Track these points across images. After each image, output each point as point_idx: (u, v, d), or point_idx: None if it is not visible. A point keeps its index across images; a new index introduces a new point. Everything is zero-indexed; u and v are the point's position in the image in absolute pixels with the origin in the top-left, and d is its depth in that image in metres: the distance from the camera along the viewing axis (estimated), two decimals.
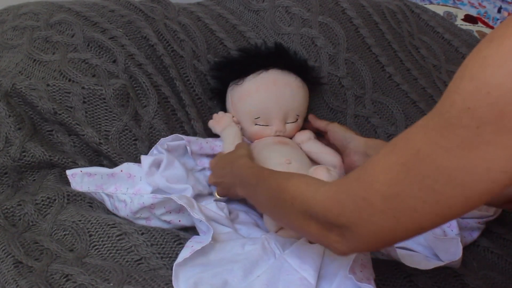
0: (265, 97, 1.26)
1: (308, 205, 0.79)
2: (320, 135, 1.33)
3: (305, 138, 1.29)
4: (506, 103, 0.60)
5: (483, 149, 0.62)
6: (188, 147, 1.19)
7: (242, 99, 1.28)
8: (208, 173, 1.22)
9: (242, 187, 1.04)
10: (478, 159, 0.62)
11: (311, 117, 1.34)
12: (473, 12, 2.00)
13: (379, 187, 0.70)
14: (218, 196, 1.16)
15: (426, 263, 1.05)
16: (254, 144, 1.27)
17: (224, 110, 1.34)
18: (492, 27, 1.91)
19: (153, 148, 1.20)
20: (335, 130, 1.25)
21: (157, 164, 1.15)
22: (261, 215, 1.15)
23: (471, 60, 0.64)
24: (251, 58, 1.31)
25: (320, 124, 1.31)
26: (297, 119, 1.30)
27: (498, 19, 2.08)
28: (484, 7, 2.07)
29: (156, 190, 1.14)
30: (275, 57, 1.30)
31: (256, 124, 1.27)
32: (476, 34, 1.78)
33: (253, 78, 1.27)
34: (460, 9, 1.97)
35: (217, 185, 1.16)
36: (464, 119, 0.63)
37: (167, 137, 1.20)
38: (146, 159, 1.15)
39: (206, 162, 1.23)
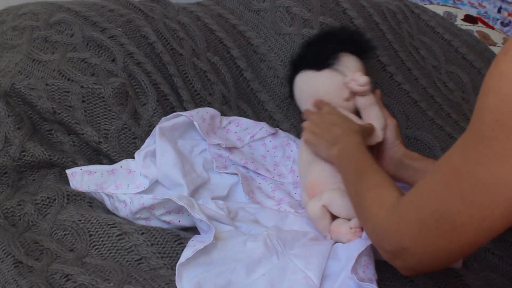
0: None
1: (378, 227, 0.85)
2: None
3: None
4: None
5: None
6: (195, 123, 1.20)
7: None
8: (207, 155, 1.22)
9: (338, 160, 1.07)
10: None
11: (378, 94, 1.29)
12: (473, 12, 2.00)
13: (429, 208, 0.75)
14: (303, 139, 1.18)
15: None
16: None
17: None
18: (492, 27, 1.91)
19: (148, 137, 1.20)
20: (390, 129, 1.22)
21: (151, 155, 1.17)
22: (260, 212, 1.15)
23: (490, 75, 0.68)
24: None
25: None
26: None
27: (498, 19, 2.08)
28: (484, 7, 2.07)
29: (154, 184, 1.15)
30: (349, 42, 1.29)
31: None
32: (476, 34, 1.78)
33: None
34: (460, 9, 1.97)
35: (310, 132, 1.16)
36: (495, 132, 0.66)
37: (167, 116, 1.21)
38: (138, 154, 1.17)
39: (213, 138, 1.23)
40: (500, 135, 0.66)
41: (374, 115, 1.22)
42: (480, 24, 1.90)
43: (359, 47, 1.28)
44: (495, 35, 1.85)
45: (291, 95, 1.32)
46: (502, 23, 2.11)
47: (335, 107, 1.21)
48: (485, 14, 2.06)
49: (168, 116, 1.21)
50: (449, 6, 1.97)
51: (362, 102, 1.22)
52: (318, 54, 1.26)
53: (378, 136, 1.20)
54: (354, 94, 1.22)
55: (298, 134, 1.35)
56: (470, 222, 0.71)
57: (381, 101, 1.25)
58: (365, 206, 0.89)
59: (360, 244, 1.00)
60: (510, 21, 2.12)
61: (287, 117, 1.38)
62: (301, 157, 1.21)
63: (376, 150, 1.21)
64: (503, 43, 1.83)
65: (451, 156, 0.74)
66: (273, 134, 1.30)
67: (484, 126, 0.68)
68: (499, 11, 2.10)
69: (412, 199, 0.79)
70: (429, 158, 1.24)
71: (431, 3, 1.99)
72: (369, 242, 0.99)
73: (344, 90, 1.22)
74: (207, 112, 1.24)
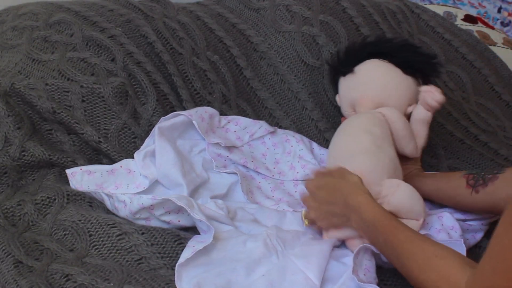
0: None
1: None
2: None
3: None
4: None
5: None
6: (194, 122, 1.19)
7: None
8: (206, 155, 1.22)
9: (361, 229, 1.01)
10: None
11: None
12: (473, 12, 2.00)
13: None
14: (306, 221, 1.11)
15: None
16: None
17: None
18: (492, 27, 1.91)
19: (148, 138, 1.20)
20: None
21: (150, 156, 1.16)
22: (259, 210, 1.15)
23: None
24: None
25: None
26: None
27: (498, 19, 2.08)
28: (484, 7, 2.08)
29: (154, 184, 1.14)
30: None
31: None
32: (476, 34, 1.78)
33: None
34: (460, 9, 1.97)
35: (314, 210, 1.09)
36: None
37: (166, 116, 1.20)
38: (138, 154, 1.16)
39: (212, 138, 1.22)
40: None
41: (422, 133, 1.23)
42: (480, 24, 1.90)
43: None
44: (495, 35, 1.85)
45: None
46: (502, 23, 2.11)
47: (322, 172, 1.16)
48: (485, 14, 2.07)
49: (167, 116, 1.21)
50: (449, 6, 1.97)
51: (422, 115, 1.22)
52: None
53: (418, 153, 1.23)
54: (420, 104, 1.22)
55: (298, 130, 1.36)
56: None
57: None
58: (438, 275, 0.84)
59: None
60: (510, 21, 2.12)
61: (287, 114, 1.38)
62: (341, 146, 1.19)
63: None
64: (503, 43, 1.83)
65: None
66: (272, 132, 1.30)
67: None
68: (499, 11, 2.10)
69: (495, 265, 0.73)
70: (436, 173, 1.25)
71: (431, 3, 2.00)
72: (366, 242, 1.01)
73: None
74: (206, 111, 1.24)
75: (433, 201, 1.21)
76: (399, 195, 1.08)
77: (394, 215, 1.01)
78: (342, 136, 1.21)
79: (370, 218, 0.98)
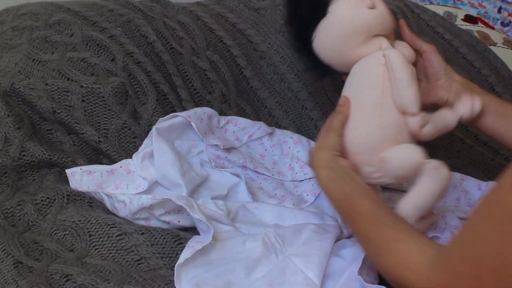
0: None
1: (418, 284, 0.77)
2: None
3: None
4: None
5: None
6: (193, 123, 1.19)
7: None
8: (204, 156, 1.22)
9: (332, 200, 0.96)
10: None
11: (403, 24, 1.13)
12: (473, 12, 2.00)
13: (487, 262, 0.67)
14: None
15: None
16: None
17: None
18: (492, 27, 1.91)
19: (146, 139, 1.20)
20: (435, 55, 1.09)
21: (149, 157, 1.16)
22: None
23: None
24: None
25: (416, 42, 1.12)
26: None
27: (498, 19, 2.08)
28: (484, 7, 2.07)
29: (154, 184, 1.14)
30: None
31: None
32: (476, 34, 1.78)
33: None
34: (460, 9, 1.97)
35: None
36: None
37: (164, 117, 1.20)
38: (136, 156, 1.16)
39: (211, 139, 1.22)
40: None
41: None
42: (480, 24, 1.89)
43: None
44: (495, 35, 1.85)
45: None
46: (502, 23, 2.11)
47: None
48: (485, 14, 2.06)
49: (165, 117, 1.21)
50: (449, 6, 1.97)
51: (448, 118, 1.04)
52: None
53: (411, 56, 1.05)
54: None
55: (297, 130, 1.36)
56: None
57: (408, 29, 1.12)
58: (395, 260, 0.81)
59: None
60: (510, 21, 2.12)
61: (287, 113, 1.38)
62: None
63: (430, 85, 1.07)
64: (503, 43, 1.82)
65: (505, 200, 0.65)
66: (270, 133, 1.30)
67: None
68: (499, 11, 2.10)
69: (464, 252, 0.71)
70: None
71: (431, 3, 1.99)
72: None
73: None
74: (205, 112, 1.24)
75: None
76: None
77: (356, 192, 0.93)
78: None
79: (330, 198, 0.95)
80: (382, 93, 0.98)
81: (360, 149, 0.99)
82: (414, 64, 1.06)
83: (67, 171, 1.12)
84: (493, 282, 0.67)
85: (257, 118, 1.34)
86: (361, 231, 0.89)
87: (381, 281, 0.97)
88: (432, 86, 1.10)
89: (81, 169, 1.12)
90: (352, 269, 0.93)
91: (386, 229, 0.85)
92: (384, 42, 1.04)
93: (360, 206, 0.90)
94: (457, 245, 0.73)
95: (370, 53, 1.03)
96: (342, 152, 0.99)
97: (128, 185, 1.14)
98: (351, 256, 0.99)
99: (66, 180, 1.12)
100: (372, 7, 1.03)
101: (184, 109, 1.27)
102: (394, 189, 1.19)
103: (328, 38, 1.06)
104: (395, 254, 0.81)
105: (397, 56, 0.99)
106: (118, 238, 1.01)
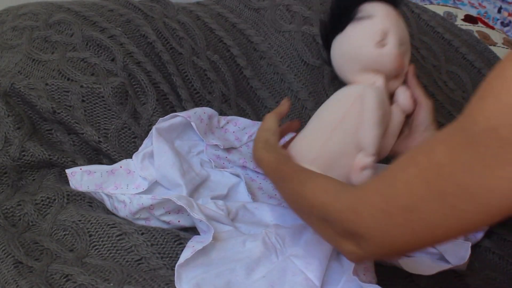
0: None
1: (326, 211, 0.79)
2: None
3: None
4: None
5: (507, 169, 0.61)
6: (193, 123, 1.19)
7: None
8: (204, 157, 1.22)
9: (266, 174, 1.02)
10: (502, 179, 0.62)
11: (410, 70, 1.12)
12: (473, 12, 2.00)
13: (399, 201, 0.70)
14: None
15: (429, 269, 1.05)
16: None
17: None
18: (492, 27, 1.91)
19: (146, 139, 1.20)
20: (425, 111, 1.09)
21: (149, 157, 1.16)
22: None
23: (494, 79, 0.64)
24: None
25: (415, 91, 1.12)
26: None
27: (498, 19, 2.08)
28: (484, 7, 2.08)
29: (154, 184, 1.14)
30: None
31: None
32: (476, 34, 1.78)
33: None
34: (460, 9, 1.97)
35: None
36: (487, 139, 0.62)
37: (164, 117, 1.20)
38: (136, 156, 1.16)
39: (211, 139, 1.22)
40: (493, 143, 0.62)
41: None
42: (480, 24, 1.89)
43: None
44: (495, 35, 1.85)
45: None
46: (502, 23, 2.11)
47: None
48: (485, 14, 2.06)
49: (165, 117, 1.21)
50: (449, 6, 1.97)
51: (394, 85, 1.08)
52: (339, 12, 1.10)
53: (399, 116, 1.07)
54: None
55: (297, 130, 1.35)
56: (443, 223, 0.68)
57: (415, 78, 1.12)
58: (307, 198, 0.84)
59: None
60: (510, 21, 2.12)
61: (287, 113, 1.38)
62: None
63: (406, 136, 1.10)
64: (503, 43, 1.82)
65: (432, 150, 0.68)
66: None
67: (476, 129, 0.63)
68: (499, 11, 2.10)
69: (380, 187, 0.74)
70: None
71: (431, 3, 2.00)
72: None
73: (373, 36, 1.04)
74: (205, 112, 1.24)
75: None
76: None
77: (284, 158, 0.98)
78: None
79: (262, 165, 0.99)
80: (342, 119, 1.01)
81: (296, 154, 1.02)
82: (410, 114, 1.10)
83: (67, 171, 1.12)
84: (399, 220, 0.70)
85: (257, 118, 1.35)
86: (290, 187, 0.91)
87: (380, 281, 0.98)
88: (407, 135, 1.12)
89: (81, 169, 1.12)
90: (348, 273, 0.94)
91: (313, 177, 0.89)
92: (379, 80, 1.05)
93: (288, 168, 0.94)
94: (376, 181, 0.76)
95: (362, 83, 1.05)
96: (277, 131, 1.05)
97: (128, 185, 1.14)
98: (348, 262, 0.99)
99: (66, 180, 1.12)
100: (381, 46, 1.04)
101: (184, 109, 1.27)
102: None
103: (336, 51, 1.10)
104: (307, 195, 0.84)
105: (373, 97, 1.01)
106: (118, 238, 1.01)
